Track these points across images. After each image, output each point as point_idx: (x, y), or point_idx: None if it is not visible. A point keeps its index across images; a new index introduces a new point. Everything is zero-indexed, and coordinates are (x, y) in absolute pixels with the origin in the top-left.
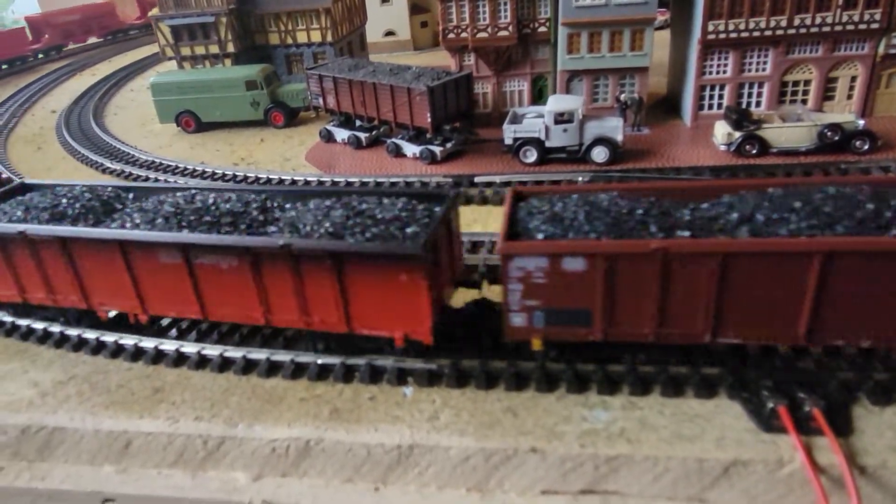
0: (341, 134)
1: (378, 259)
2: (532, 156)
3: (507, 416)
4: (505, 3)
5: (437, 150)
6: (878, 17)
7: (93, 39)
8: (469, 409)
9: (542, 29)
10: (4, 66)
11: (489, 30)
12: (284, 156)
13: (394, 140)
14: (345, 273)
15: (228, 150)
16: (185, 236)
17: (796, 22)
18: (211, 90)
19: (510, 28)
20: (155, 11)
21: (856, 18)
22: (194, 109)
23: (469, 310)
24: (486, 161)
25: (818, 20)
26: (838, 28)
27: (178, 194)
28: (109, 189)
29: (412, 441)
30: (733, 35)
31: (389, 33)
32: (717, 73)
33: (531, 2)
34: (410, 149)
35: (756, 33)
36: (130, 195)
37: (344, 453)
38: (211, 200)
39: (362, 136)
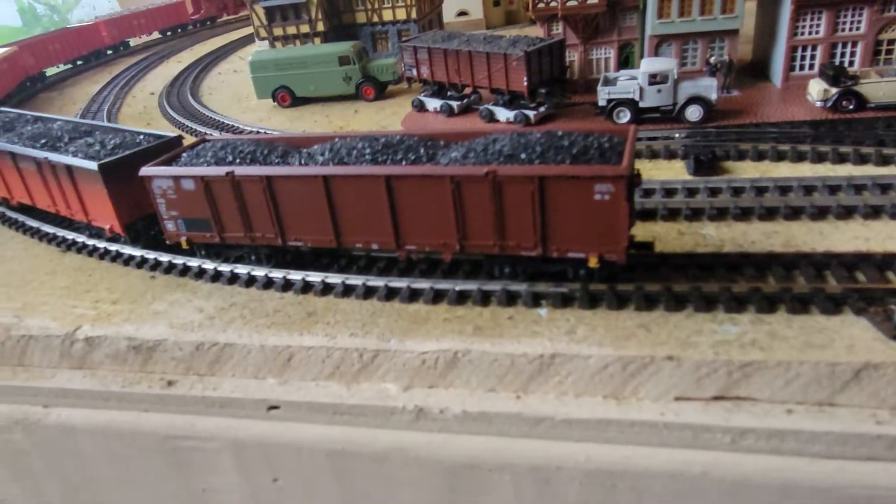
0: (433, 103)
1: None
2: (626, 116)
3: (641, 330)
4: None
5: (531, 113)
6: None
7: (244, 12)
8: (603, 326)
9: None
10: (168, 33)
11: None
12: (381, 124)
13: (487, 106)
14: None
15: (326, 121)
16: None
17: None
18: (306, 66)
19: None
20: None
21: None
22: (290, 85)
23: None
24: (578, 123)
25: None
26: None
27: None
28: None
29: (554, 351)
30: None
31: (462, 13)
32: (810, 33)
33: None
34: (504, 113)
35: None
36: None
37: (489, 364)
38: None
39: (454, 104)
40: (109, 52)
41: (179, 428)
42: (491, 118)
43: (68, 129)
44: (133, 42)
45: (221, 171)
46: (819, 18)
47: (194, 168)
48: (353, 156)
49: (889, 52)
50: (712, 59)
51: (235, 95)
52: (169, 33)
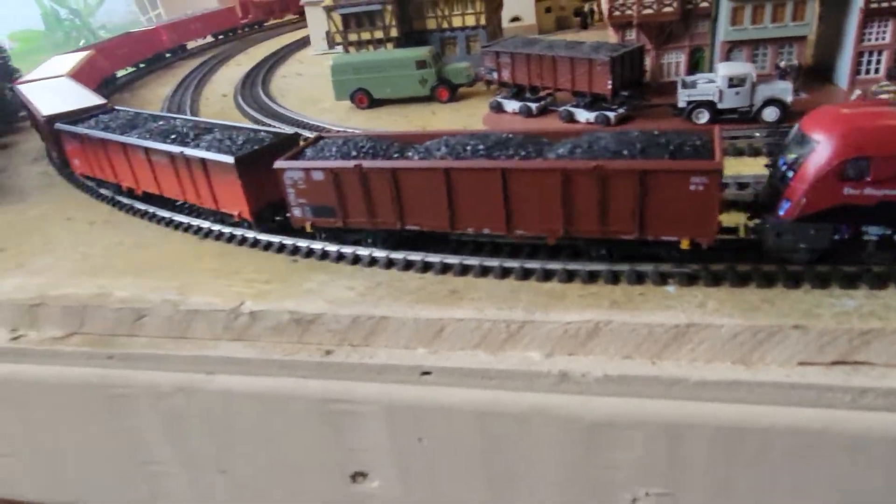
0: (511, 105)
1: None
2: (704, 117)
3: (765, 304)
4: None
5: (612, 115)
6: None
7: (289, 17)
8: (730, 300)
9: (704, 4)
10: (220, 37)
11: (654, 6)
12: (459, 124)
13: (567, 108)
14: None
15: (405, 121)
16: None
17: None
18: (384, 70)
19: (674, 4)
20: (328, 2)
21: None
22: (368, 87)
23: None
24: (655, 124)
25: None
26: None
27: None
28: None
29: (689, 321)
30: (895, 3)
31: (515, 19)
32: (876, 39)
33: None
34: (584, 115)
35: None
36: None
37: (627, 333)
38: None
39: (533, 105)
40: (168, 55)
41: (336, 392)
42: (570, 119)
43: (190, 127)
44: (189, 45)
45: (350, 164)
46: (885, 26)
47: (324, 161)
48: (468, 151)
49: None
50: (782, 64)
51: (308, 97)
52: (220, 37)
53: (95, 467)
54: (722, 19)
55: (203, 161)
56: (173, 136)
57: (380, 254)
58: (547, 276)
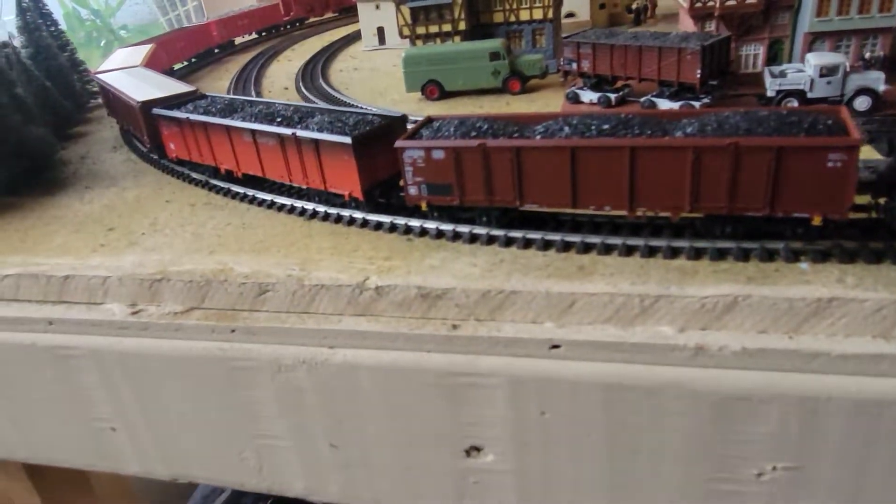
0: (589, 95)
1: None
2: (793, 105)
3: None
4: None
5: (697, 104)
6: None
7: (329, 14)
8: (870, 276)
9: None
10: (264, 33)
11: None
12: None
13: (649, 97)
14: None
15: (480, 112)
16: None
17: None
18: (457, 61)
19: None
20: None
21: None
22: (440, 79)
23: None
24: None
25: None
26: None
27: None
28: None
29: (831, 295)
30: None
31: (570, 14)
32: None
33: None
34: (667, 104)
35: None
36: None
37: (766, 307)
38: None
39: (612, 95)
40: (217, 50)
41: (461, 366)
42: (652, 108)
43: (293, 110)
44: (237, 41)
45: (473, 142)
46: None
47: (445, 140)
48: (594, 130)
49: None
50: (867, 55)
51: (373, 89)
52: (264, 34)
53: (207, 441)
54: (807, 10)
55: (316, 142)
56: (279, 119)
57: (498, 232)
58: (674, 253)
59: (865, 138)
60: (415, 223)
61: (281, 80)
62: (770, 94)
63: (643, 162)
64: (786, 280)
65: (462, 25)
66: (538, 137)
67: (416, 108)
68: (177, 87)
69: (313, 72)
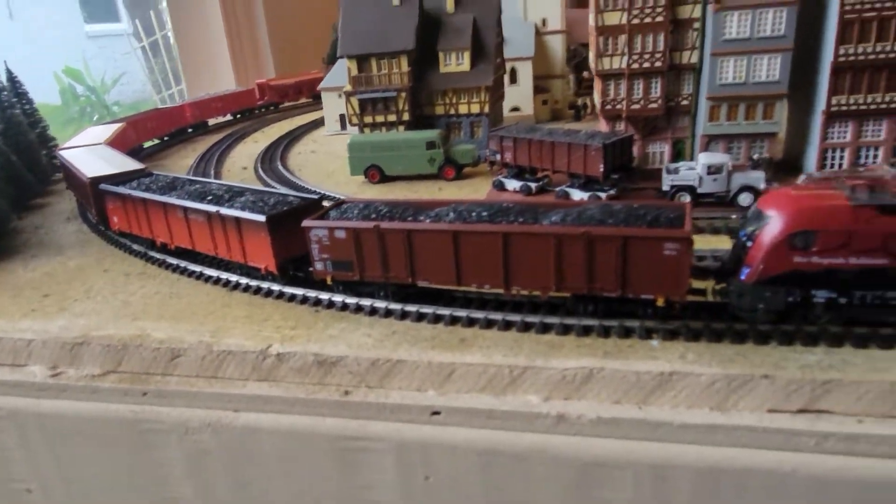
0: (513, 184)
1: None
2: (685, 200)
3: (739, 357)
4: (656, 82)
5: (603, 195)
6: None
7: (303, 100)
8: (708, 353)
9: (685, 102)
10: (238, 116)
11: (641, 102)
12: None
13: (563, 188)
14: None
15: (414, 196)
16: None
17: None
18: (397, 149)
19: (659, 101)
20: (347, 87)
21: None
22: (381, 164)
23: None
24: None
25: None
26: None
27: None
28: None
29: (672, 370)
30: (853, 108)
31: (515, 109)
32: (838, 138)
33: (676, 80)
34: (578, 194)
35: (873, 106)
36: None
37: (618, 379)
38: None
39: (533, 185)
40: (190, 130)
41: (352, 430)
42: (566, 198)
43: (225, 189)
44: (210, 122)
45: (369, 224)
46: (846, 127)
47: (346, 221)
48: (474, 216)
49: None
50: (755, 156)
51: (323, 172)
52: (239, 116)
53: (119, 502)
54: (701, 116)
55: (237, 219)
56: (210, 198)
57: (395, 306)
58: (545, 328)
59: (691, 232)
60: (324, 296)
61: (243, 160)
62: (665, 188)
63: (515, 246)
64: (637, 355)
65: (406, 116)
66: (428, 221)
67: (358, 190)
68: (129, 165)
69: (274, 153)
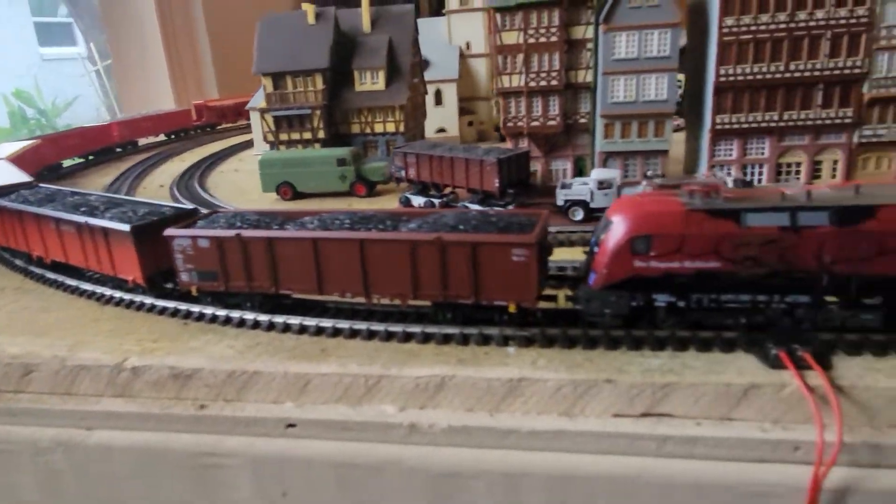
0: (418, 200)
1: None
2: (579, 214)
3: (587, 362)
4: (554, 100)
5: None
6: (850, 113)
7: (242, 122)
8: (559, 358)
9: (583, 120)
10: (173, 136)
11: (540, 120)
12: None
13: (464, 203)
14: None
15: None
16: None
17: (785, 117)
18: (308, 165)
19: (557, 119)
20: (262, 104)
21: (832, 115)
22: (292, 181)
23: None
24: None
25: (803, 115)
26: (819, 122)
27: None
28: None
29: (521, 376)
30: (736, 126)
31: (441, 130)
32: (725, 155)
33: (574, 98)
34: (477, 209)
35: (755, 125)
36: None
37: (470, 386)
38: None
39: (436, 200)
40: (118, 149)
41: (207, 446)
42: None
43: (104, 201)
44: (142, 142)
45: (231, 232)
46: (732, 144)
47: (209, 230)
48: (336, 225)
49: (788, 172)
50: (649, 173)
51: (238, 190)
52: (173, 136)
53: None
54: (597, 133)
55: (104, 230)
56: (83, 209)
57: (263, 317)
58: (407, 337)
59: (535, 240)
60: (194, 308)
61: (163, 178)
62: (559, 203)
63: (371, 253)
64: (491, 362)
65: (321, 134)
66: (291, 230)
67: (270, 206)
68: (18, 179)
69: (195, 172)
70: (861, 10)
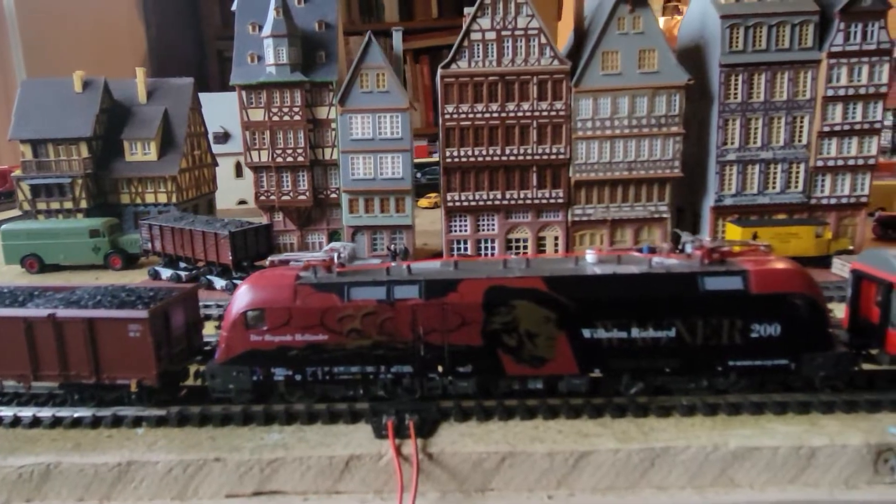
0: (166, 272)
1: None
2: None
3: (208, 440)
4: (303, 175)
5: (238, 283)
6: (561, 194)
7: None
8: (181, 438)
9: (334, 195)
10: None
11: (291, 194)
12: None
13: (208, 276)
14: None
15: None
16: None
17: (508, 196)
18: (57, 237)
19: (307, 194)
20: (18, 172)
21: (547, 195)
22: (39, 253)
23: None
24: None
25: (523, 195)
26: (538, 202)
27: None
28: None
29: (130, 458)
30: (466, 204)
31: (242, 202)
32: (460, 230)
33: (325, 174)
34: (219, 282)
35: (482, 203)
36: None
37: (76, 473)
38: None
39: (182, 273)
40: None
41: None
42: (210, 286)
43: None
44: None
45: None
46: (466, 221)
47: None
48: None
49: (517, 246)
50: (392, 246)
51: None
52: None
53: None
54: (343, 208)
55: None
56: None
57: None
58: (36, 422)
59: (148, 316)
60: None
61: None
62: None
63: None
64: (108, 444)
65: (84, 203)
66: None
67: (12, 280)
68: None
69: None
70: (559, 104)
